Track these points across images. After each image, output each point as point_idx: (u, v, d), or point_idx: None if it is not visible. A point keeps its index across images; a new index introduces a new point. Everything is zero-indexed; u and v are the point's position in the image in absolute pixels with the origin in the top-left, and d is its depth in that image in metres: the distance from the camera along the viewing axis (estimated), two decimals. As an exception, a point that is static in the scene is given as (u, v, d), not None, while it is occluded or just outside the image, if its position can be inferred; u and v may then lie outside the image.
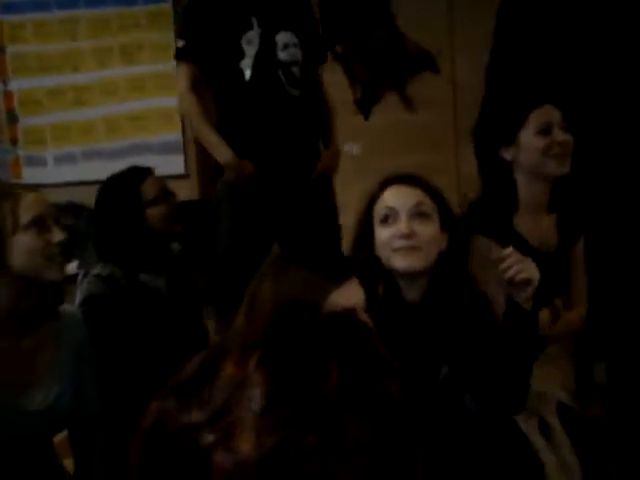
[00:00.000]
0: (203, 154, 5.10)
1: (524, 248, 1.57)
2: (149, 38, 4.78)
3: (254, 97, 2.16)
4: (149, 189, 1.81)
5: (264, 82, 2.16)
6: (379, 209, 1.42)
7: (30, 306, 1.34)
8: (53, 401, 1.38)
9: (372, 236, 1.44)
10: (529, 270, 1.32)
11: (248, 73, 2.15)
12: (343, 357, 0.48)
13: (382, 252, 1.41)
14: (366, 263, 1.42)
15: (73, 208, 4.66)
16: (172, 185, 4.76)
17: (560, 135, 1.60)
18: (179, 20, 4.78)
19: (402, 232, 1.36)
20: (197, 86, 2.27)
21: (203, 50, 2.20)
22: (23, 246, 1.30)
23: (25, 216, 1.32)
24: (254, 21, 2.15)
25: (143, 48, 4.80)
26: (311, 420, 0.44)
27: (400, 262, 1.39)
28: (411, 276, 1.41)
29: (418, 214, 1.38)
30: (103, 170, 4.94)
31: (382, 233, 1.40)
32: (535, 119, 1.62)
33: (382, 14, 2.70)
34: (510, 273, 1.32)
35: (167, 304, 1.81)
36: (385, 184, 1.45)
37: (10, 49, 4.89)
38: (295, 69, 2.16)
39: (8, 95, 4.93)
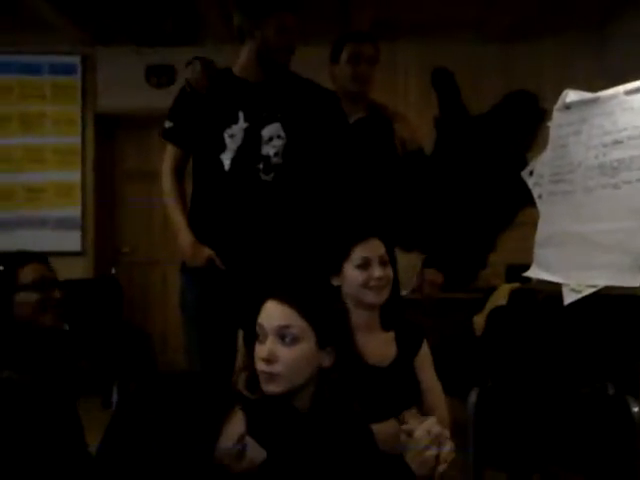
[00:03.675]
0: (100, 232, 4.96)
1: (360, 367, 1.60)
2: (52, 110, 4.68)
3: (229, 186, 2.17)
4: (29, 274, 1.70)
5: (242, 174, 2.16)
6: (257, 323, 1.38)
7: None
8: None
9: None
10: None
11: (227, 164, 2.15)
12: None
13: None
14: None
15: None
16: (67, 262, 4.62)
17: (377, 270, 1.68)
18: (88, 95, 4.77)
19: (262, 356, 1.31)
20: (180, 167, 2.29)
21: (187, 135, 2.21)
22: None
23: None
24: (240, 115, 2.15)
25: (45, 119, 4.68)
26: None
27: (262, 385, 1.33)
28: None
29: (282, 336, 1.32)
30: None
31: (256, 350, 1.36)
32: (356, 254, 1.71)
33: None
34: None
35: (34, 399, 1.66)
36: (265, 296, 1.40)
37: None
38: (276, 159, 2.18)
39: None
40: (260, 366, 1.31)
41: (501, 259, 4.47)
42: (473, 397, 2.13)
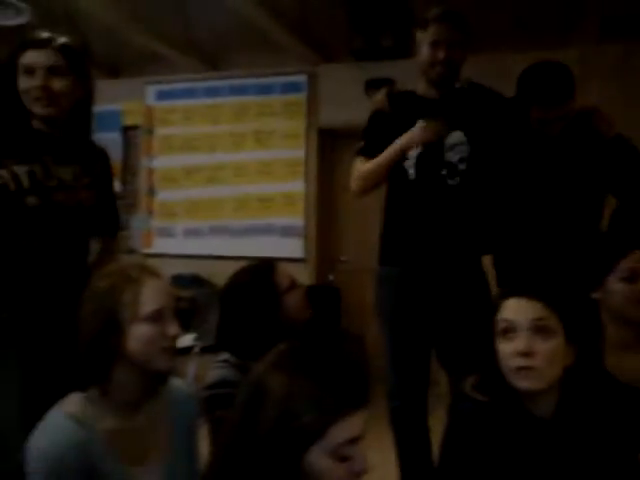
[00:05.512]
0: (321, 240, 5.22)
1: (613, 385, 1.50)
2: (281, 126, 5.06)
3: (417, 194, 2.23)
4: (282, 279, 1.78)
5: (428, 180, 2.22)
6: (499, 320, 1.36)
7: (139, 390, 1.35)
8: (168, 477, 1.36)
9: (493, 346, 1.37)
10: None
11: (412, 172, 2.23)
12: None
13: (503, 366, 1.34)
14: (489, 376, 1.36)
15: (196, 281, 4.89)
16: (290, 268, 4.87)
17: None
18: (311, 111, 5.07)
19: (520, 350, 1.29)
20: None
21: (376, 150, 2.29)
22: (140, 336, 1.28)
23: (147, 307, 1.29)
24: (420, 124, 2.20)
25: (274, 134, 5.07)
26: None
27: (518, 382, 1.31)
28: (531, 395, 1.32)
29: (538, 329, 1.31)
30: (227, 246, 5.25)
31: (503, 347, 1.34)
32: (622, 266, 1.61)
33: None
34: None
35: None
36: (506, 294, 1.40)
37: (158, 131, 5.36)
38: (461, 165, 2.21)
39: (151, 171, 5.37)
40: (515, 362, 1.30)
41: None
42: None
